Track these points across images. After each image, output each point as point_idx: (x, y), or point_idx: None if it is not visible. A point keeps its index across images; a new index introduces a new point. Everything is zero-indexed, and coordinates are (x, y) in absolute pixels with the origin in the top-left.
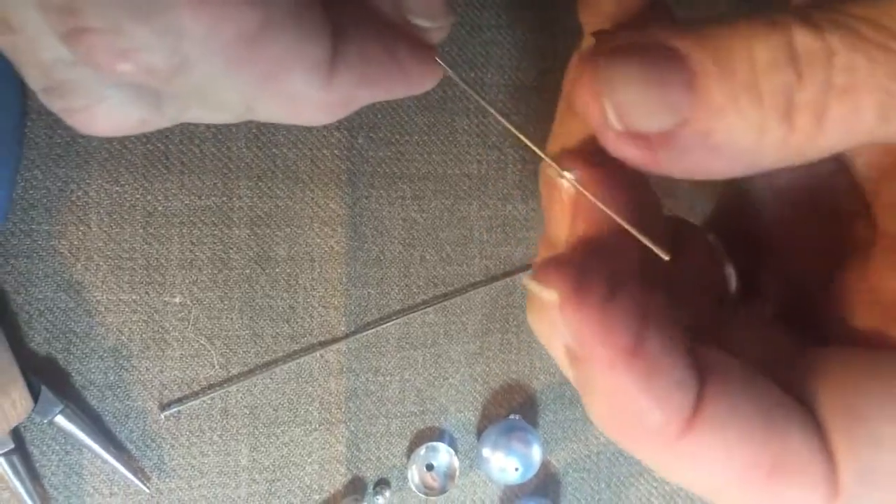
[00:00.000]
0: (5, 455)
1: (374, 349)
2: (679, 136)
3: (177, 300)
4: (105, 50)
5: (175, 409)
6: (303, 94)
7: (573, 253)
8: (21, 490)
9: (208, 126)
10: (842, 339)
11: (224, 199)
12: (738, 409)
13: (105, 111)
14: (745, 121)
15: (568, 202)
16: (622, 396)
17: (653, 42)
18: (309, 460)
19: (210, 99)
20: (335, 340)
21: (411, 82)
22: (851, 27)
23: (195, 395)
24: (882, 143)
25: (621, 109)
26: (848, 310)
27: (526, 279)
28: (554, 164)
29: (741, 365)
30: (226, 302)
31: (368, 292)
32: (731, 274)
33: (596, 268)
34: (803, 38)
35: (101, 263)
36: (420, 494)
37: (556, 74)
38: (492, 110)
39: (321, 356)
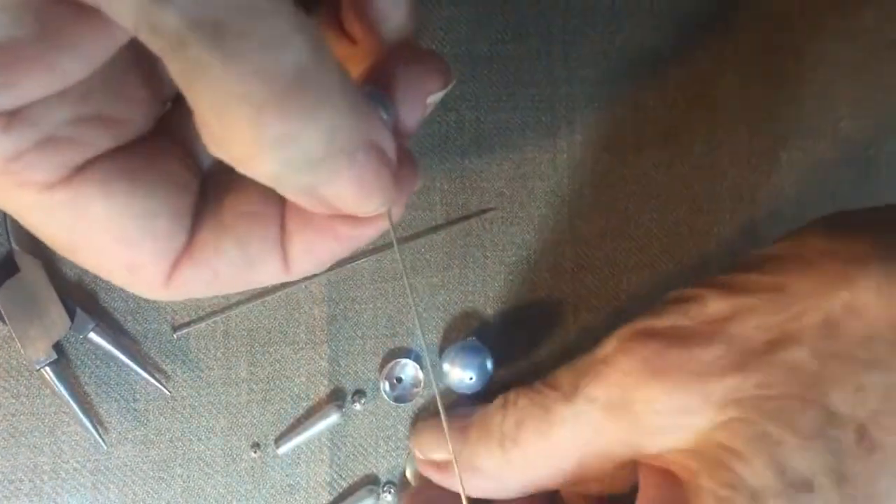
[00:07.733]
0: (51, 365)
1: (351, 282)
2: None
3: None
4: None
5: (185, 331)
6: None
7: None
8: (64, 393)
9: None
10: None
11: None
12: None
13: None
14: (487, 450)
15: None
16: None
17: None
18: (297, 374)
19: None
20: (318, 274)
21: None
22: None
23: (201, 319)
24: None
25: (420, 448)
26: None
27: None
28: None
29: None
30: None
31: None
32: None
33: None
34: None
35: None
36: (390, 402)
37: (506, 45)
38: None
39: (306, 287)
